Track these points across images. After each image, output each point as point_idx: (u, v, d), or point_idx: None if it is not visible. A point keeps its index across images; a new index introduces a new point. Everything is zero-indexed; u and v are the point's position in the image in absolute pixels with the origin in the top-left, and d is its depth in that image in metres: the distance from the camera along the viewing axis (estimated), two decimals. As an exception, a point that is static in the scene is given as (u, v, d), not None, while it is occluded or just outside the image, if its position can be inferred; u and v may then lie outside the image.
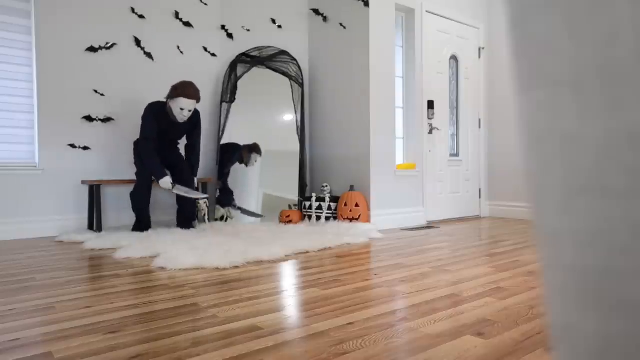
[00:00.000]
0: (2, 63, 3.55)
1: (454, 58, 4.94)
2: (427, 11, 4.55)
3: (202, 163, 4.49)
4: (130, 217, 4.03)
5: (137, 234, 3.30)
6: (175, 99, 3.40)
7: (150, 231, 3.41)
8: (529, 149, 0.29)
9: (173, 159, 3.71)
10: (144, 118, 3.46)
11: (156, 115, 3.50)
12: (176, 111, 3.43)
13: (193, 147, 3.79)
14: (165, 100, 3.58)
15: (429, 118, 4.59)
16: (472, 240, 3.31)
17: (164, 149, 3.70)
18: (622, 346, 0.25)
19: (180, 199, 3.67)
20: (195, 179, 3.79)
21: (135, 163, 3.58)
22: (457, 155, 4.97)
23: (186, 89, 3.38)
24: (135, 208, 3.50)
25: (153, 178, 3.48)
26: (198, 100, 3.48)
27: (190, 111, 3.46)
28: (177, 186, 3.49)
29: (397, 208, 4.20)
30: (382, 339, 1.31)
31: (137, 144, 3.56)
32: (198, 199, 3.65)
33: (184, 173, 3.66)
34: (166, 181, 3.38)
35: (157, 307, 1.64)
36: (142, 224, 3.53)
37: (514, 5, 0.29)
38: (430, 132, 4.61)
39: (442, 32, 4.77)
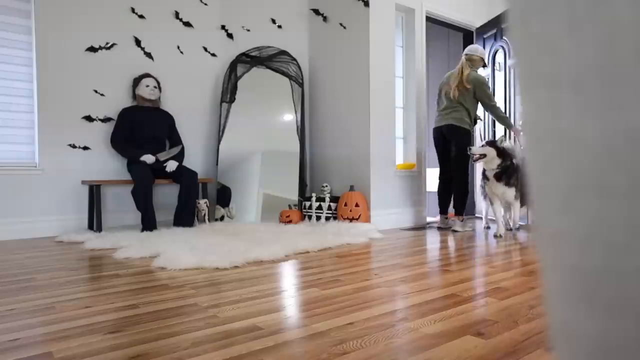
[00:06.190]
0: (2, 63, 3.55)
1: (454, 58, 4.94)
2: (427, 11, 4.55)
3: (203, 163, 4.49)
4: (130, 217, 4.03)
5: (138, 234, 3.30)
6: (138, 84, 3.95)
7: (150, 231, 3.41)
8: (529, 149, 0.29)
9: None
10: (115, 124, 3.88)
11: (127, 112, 3.85)
12: (144, 92, 3.93)
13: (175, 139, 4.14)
14: (133, 98, 4.03)
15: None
16: (472, 240, 3.31)
17: (154, 149, 3.86)
18: (621, 346, 0.25)
19: (181, 197, 3.71)
20: (180, 147, 4.02)
21: (127, 165, 3.81)
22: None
23: (142, 75, 4.00)
24: (139, 206, 3.50)
25: (142, 159, 3.71)
26: (154, 77, 4.01)
27: (155, 87, 3.96)
28: (158, 154, 3.83)
29: (397, 208, 4.20)
30: (382, 339, 1.31)
31: (112, 145, 3.84)
32: (175, 154, 3.94)
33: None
34: (147, 156, 3.74)
35: (157, 307, 1.64)
36: (148, 221, 3.50)
37: (514, 5, 0.29)
38: (430, 132, 4.61)
39: (442, 32, 4.77)
